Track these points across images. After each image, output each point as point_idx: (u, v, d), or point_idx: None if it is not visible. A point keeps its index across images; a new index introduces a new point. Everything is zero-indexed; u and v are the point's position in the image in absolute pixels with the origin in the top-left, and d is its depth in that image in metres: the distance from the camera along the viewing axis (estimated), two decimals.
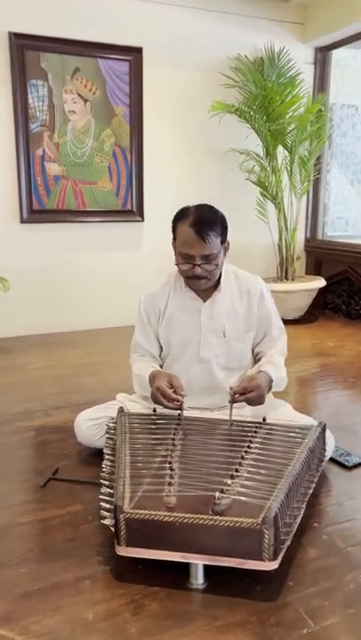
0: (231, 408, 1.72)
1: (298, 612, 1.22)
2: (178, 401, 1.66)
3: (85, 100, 3.64)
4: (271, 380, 1.76)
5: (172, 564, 1.28)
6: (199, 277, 1.75)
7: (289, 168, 3.95)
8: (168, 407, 1.68)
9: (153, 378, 1.75)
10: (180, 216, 1.75)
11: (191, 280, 1.79)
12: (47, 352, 3.35)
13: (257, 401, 1.70)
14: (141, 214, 3.93)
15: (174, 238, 1.79)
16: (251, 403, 1.71)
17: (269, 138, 3.80)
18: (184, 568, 1.30)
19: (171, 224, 1.79)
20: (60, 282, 3.78)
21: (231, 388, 1.70)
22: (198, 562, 1.27)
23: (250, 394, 1.68)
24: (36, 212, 3.64)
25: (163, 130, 3.91)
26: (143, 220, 3.94)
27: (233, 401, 1.70)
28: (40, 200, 3.64)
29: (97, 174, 3.76)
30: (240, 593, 1.27)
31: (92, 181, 3.76)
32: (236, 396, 1.68)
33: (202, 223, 1.69)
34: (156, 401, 1.70)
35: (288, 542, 1.30)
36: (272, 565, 1.22)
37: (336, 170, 4.61)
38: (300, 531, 1.47)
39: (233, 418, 1.73)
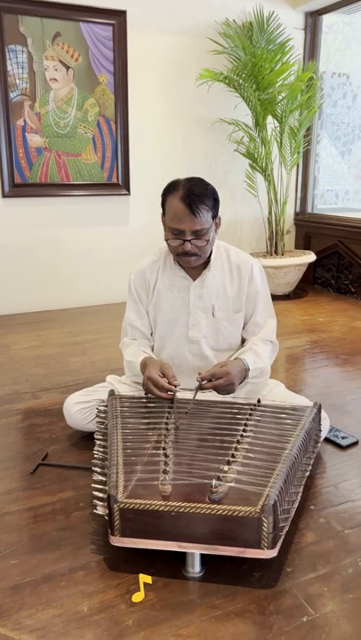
0: (195, 393, 1.64)
1: (297, 599, 1.20)
2: (171, 391, 1.60)
3: (67, 67, 3.49)
4: (247, 370, 1.68)
5: (167, 552, 1.25)
6: (189, 254, 1.68)
7: (279, 139, 3.85)
8: (160, 397, 1.61)
9: (145, 365, 1.69)
10: (170, 189, 1.67)
11: (181, 257, 1.72)
12: (32, 331, 3.27)
13: (225, 389, 1.62)
14: (127, 187, 3.81)
15: (163, 213, 1.71)
16: (219, 391, 1.63)
17: (259, 107, 3.68)
18: (180, 556, 1.27)
19: (160, 198, 1.71)
20: (44, 258, 3.68)
21: (200, 374, 1.63)
22: (196, 551, 1.24)
23: (218, 381, 1.60)
24: (17, 186, 3.52)
25: (149, 99, 3.77)
26: (129, 194, 3.83)
27: (199, 387, 1.61)
28: (22, 173, 3.51)
29: (81, 146, 3.63)
30: (238, 580, 1.25)
31: (76, 153, 3.63)
32: (204, 382, 1.61)
33: (192, 196, 1.61)
34: (147, 390, 1.64)
35: (286, 528, 1.27)
36: (271, 554, 1.20)
37: (326, 141, 4.51)
38: (297, 514, 1.45)
39: (228, 400, 1.69)
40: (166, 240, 1.71)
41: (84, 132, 3.62)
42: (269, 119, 3.83)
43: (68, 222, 3.71)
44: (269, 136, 3.84)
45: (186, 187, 1.64)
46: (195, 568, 1.27)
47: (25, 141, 3.47)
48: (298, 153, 3.95)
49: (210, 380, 1.61)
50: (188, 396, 1.73)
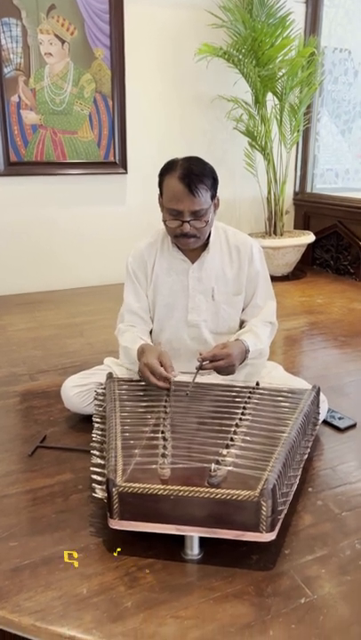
0: (196, 375, 1.64)
1: (295, 581, 1.21)
2: (168, 379, 1.56)
3: (63, 41, 3.40)
4: (247, 351, 1.67)
5: (166, 535, 1.26)
6: (188, 235, 1.66)
7: (279, 117, 3.78)
8: (156, 386, 1.57)
9: (142, 352, 1.65)
10: (167, 169, 1.64)
11: (179, 239, 1.69)
12: (28, 313, 3.25)
13: (226, 371, 1.62)
14: (125, 166, 3.76)
15: (161, 193, 1.68)
16: (219, 372, 1.62)
17: (259, 84, 3.61)
18: (179, 539, 1.28)
19: (157, 178, 1.68)
20: (39, 239, 3.64)
21: (201, 354, 1.62)
22: (194, 534, 1.24)
23: (218, 362, 1.59)
24: (13, 165, 3.46)
25: (146, 75, 3.69)
26: (127, 173, 3.78)
27: (200, 367, 1.61)
28: (17, 151, 3.45)
29: (77, 123, 3.57)
30: (236, 563, 1.26)
31: (72, 131, 3.57)
32: (205, 362, 1.61)
33: (191, 176, 1.58)
34: (143, 377, 1.60)
35: (285, 512, 1.28)
36: (270, 537, 1.20)
37: (326, 119, 4.44)
38: (295, 496, 1.45)
39: (226, 383, 1.69)
40: (164, 221, 1.68)
41: (80, 109, 3.55)
42: (269, 96, 3.76)
43: (64, 202, 3.66)
44: (269, 114, 3.78)
45: (184, 166, 1.60)
46: (193, 550, 1.27)
47: (20, 118, 3.40)
48: (298, 131, 3.89)
49: (211, 361, 1.60)
50: (187, 379, 1.73)
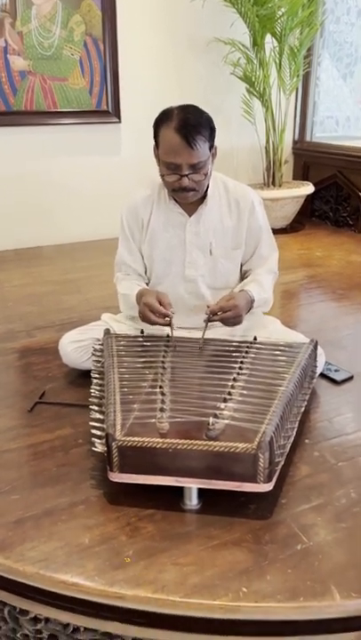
0: (205, 328, 1.66)
1: (291, 529, 1.25)
2: (167, 316, 1.59)
3: None
4: (253, 301, 1.69)
5: (165, 486, 1.28)
6: (187, 189, 1.62)
7: (278, 60, 3.63)
8: (157, 323, 1.61)
9: (140, 295, 1.68)
10: (163, 119, 1.58)
11: (178, 193, 1.65)
12: (23, 268, 3.22)
13: (233, 322, 1.64)
14: (118, 115, 3.63)
15: (157, 145, 1.62)
16: (227, 323, 1.64)
17: (257, 25, 3.45)
18: (178, 490, 1.30)
19: (152, 128, 1.62)
20: (31, 192, 3.56)
21: (208, 307, 1.64)
22: (193, 486, 1.27)
23: (226, 314, 1.61)
24: (1, 114, 3.34)
25: (139, 16, 3.51)
26: (120, 122, 3.66)
27: (208, 320, 1.64)
28: (6, 100, 3.32)
29: (67, 69, 3.42)
30: (234, 512, 1.29)
31: (63, 77, 3.43)
32: (212, 315, 1.62)
33: (188, 127, 1.52)
34: (144, 318, 1.63)
35: (282, 463, 1.30)
36: (267, 487, 1.23)
37: (328, 62, 4.27)
38: (292, 448, 1.47)
39: (224, 337, 1.69)
40: (162, 176, 1.64)
41: (70, 54, 3.40)
42: (268, 38, 3.59)
43: (56, 153, 3.56)
44: (268, 57, 3.63)
45: (180, 116, 1.54)
46: (192, 501, 1.30)
47: (7, 64, 3.26)
48: (297, 76, 3.74)
49: (218, 314, 1.62)
50: (185, 334, 1.73)
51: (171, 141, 1.55)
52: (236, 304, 1.61)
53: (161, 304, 1.62)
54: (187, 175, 1.58)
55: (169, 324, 1.62)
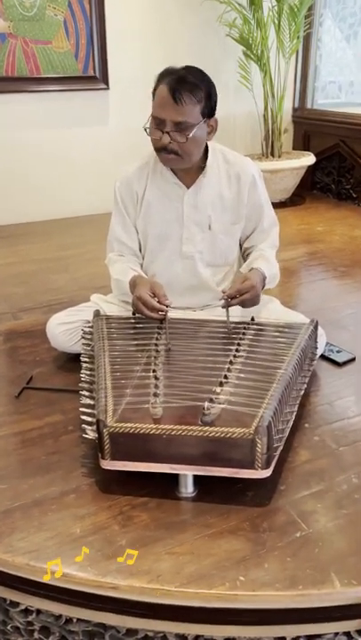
0: (228, 314, 1.67)
1: (290, 516, 1.27)
2: (162, 311, 1.59)
3: None
4: (265, 278, 1.70)
5: (159, 473, 1.30)
6: (168, 150, 1.61)
7: (277, 20, 3.57)
8: (151, 318, 1.61)
9: (134, 284, 1.67)
10: (163, 74, 1.59)
11: (160, 153, 1.64)
12: (8, 247, 3.20)
13: (252, 302, 1.65)
14: (106, 81, 3.58)
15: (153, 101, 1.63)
16: (245, 305, 1.65)
17: None
18: (173, 477, 1.32)
19: (142, 93, 1.62)
20: (15, 165, 3.52)
21: (224, 292, 1.64)
22: (188, 473, 1.29)
23: (244, 296, 1.62)
24: None
25: None
26: (108, 88, 3.60)
27: (227, 305, 1.64)
28: None
29: (51, 31, 3.35)
30: (231, 499, 1.31)
31: (46, 40, 3.36)
32: (230, 299, 1.63)
33: (180, 83, 1.53)
34: (137, 311, 1.64)
35: (281, 448, 1.32)
36: (265, 474, 1.25)
37: (330, 22, 4.20)
38: (291, 432, 1.49)
39: (216, 318, 1.69)
40: (146, 130, 1.63)
41: (53, 15, 3.33)
42: None
43: (41, 123, 3.51)
44: (266, 17, 3.57)
45: (179, 73, 1.56)
46: (187, 489, 1.32)
47: None
48: (298, 37, 3.69)
49: (236, 297, 1.62)
50: (179, 315, 1.73)
51: (160, 94, 1.57)
52: (253, 284, 1.62)
53: (155, 296, 1.60)
54: (168, 132, 1.57)
55: (163, 319, 1.62)
